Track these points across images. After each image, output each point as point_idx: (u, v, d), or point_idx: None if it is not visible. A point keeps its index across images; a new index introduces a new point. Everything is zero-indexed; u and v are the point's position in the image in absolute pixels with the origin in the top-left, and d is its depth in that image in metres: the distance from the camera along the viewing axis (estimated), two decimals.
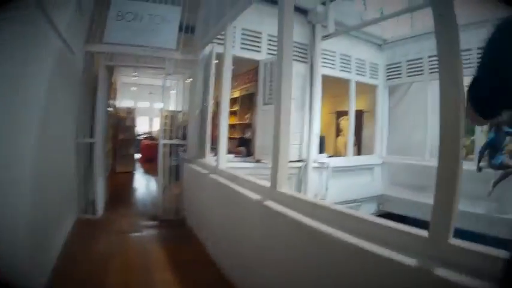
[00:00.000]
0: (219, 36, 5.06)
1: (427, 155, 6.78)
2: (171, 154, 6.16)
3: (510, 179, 5.43)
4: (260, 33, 5.59)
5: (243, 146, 6.64)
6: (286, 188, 2.93)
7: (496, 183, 5.55)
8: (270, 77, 5.56)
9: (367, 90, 7.43)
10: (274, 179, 2.98)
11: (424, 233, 1.78)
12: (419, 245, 1.74)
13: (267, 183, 3.11)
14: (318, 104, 6.13)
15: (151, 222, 5.64)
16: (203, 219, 4.68)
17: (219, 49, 5.09)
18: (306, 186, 5.97)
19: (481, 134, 6.61)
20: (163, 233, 5.15)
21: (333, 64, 6.58)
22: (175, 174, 6.22)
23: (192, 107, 6.02)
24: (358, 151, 8.02)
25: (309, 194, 5.99)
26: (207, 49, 5.49)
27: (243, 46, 5.44)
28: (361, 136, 8.26)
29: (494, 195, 5.55)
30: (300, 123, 6.11)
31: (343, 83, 7.06)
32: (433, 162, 6.58)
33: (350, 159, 6.86)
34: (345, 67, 6.79)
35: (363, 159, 7.24)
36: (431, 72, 6.69)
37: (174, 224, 5.55)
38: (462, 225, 5.71)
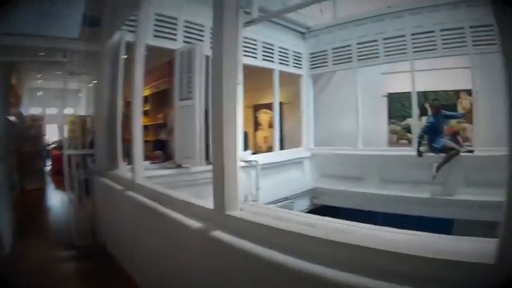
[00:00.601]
0: (129, 23, 4.51)
1: (359, 143, 6.94)
2: (81, 166, 5.49)
3: (453, 161, 5.73)
4: (176, 19, 5.14)
5: (159, 149, 6.09)
6: (238, 208, 2.43)
7: (439, 167, 5.85)
8: (187, 68, 5.14)
9: (285, 81, 7.29)
10: (220, 197, 2.38)
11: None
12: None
13: (207, 204, 2.57)
14: (239, 97, 5.87)
15: (67, 253, 4.83)
16: (126, 248, 4.04)
17: (129, 38, 4.55)
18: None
19: (416, 119, 7.16)
20: (81, 267, 4.38)
21: (254, 53, 6.39)
22: (85, 189, 5.53)
23: (99, 109, 5.30)
24: (281, 145, 7.99)
25: (239, 197, 5.78)
26: (116, 37, 4.83)
27: (157, 34, 4.95)
28: (282, 129, 8.22)
29: (439, 178, 5.81)
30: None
31: (260, 75, 6.97)
32: (366, 151, 7.05)
33: (278, 155, 6.80)
34: (267, 56, 6.63)
35: (291, 154, 7.18)
36: (359, 59, 6.87)
37: (93, 252, 4.80)
38: (406, 210, 6.02)
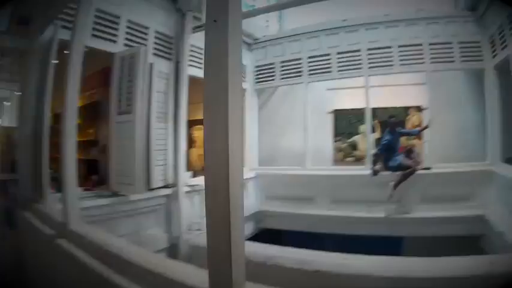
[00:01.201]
0: (65, 17, 3.66)
1: (307, 163, 6.64)
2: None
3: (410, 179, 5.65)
4: (118, 17, 4.39)
5: (90, 171, 5.07)
6: None
7: (396, 185, 5.72)
8: (128, 76, 4.37)
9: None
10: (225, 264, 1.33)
11: None
12: None
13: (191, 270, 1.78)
14: (185, 112, 5.24)
15: None
16: None
17: (63, 35, 3.67)
18: (178, 220, 5.00)
19: (363, 137, 7.16)
20: None
21: (200, 63, 5.81)
22: (10, 221, 4.21)
23: (23, 122, 4.15)
24: None
25: (183, 227, 5.07)
26: (47, 34, 3.84)
27: (96, 33, 4.15)
28: None
29: (396, 197, 5.69)
30: (163, 138, 5.09)
31: (194, 88, 6.27)
32: (316, 170, 6.74)
33: None
34: None
35: None
36: (310, 74, 6.63)
37: None
38: (360, 231, 5.80)
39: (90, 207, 3.85)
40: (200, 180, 5.69)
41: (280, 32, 7.52)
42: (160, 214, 4.97)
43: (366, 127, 7.25)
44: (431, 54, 5.88)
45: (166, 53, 5.11)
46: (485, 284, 3.88)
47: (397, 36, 6.08)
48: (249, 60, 7.11)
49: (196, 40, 5.41)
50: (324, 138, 7.14)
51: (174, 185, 5.17)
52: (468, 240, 5.54)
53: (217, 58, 1.45)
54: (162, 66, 5.07)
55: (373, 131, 7.16)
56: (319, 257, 4.55)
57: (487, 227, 5.27)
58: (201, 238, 5.27)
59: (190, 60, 5.45)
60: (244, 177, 6.51)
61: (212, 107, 1.38)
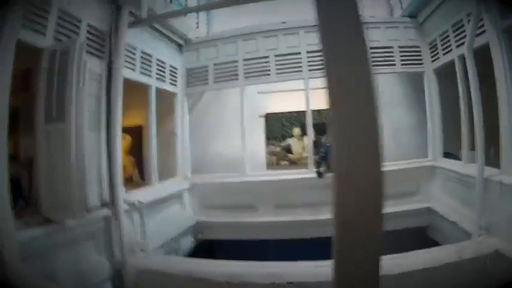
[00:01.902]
0: None
1: (247, 169, 6.30)
2: None
3: None
4: (49, 5, 3.50)
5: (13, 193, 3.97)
6: None
7: None
8: (59, 75, 3.55)
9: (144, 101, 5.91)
10: None
11: None
12: None
13: None
14: (120, 118, 4.54)
15: None
16: None
17: None
18: (120, 243, 4.30)
19: (297, 140, 7.21)
20: None
21: (133, 64, 5.10)
22: None
23: None
24: (141, 174, 6.69)
25: (126, 251, 4.38)
26: None
27: (26, 23, 3.22)
28: (142, 156, 6.75)
29: None
30: (97, 149, 4.35)
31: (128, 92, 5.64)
32: (256, 176, 6.39)
33: (159, 189, 5.60)
34: (146, 69, 5.40)
35: (171, 186, 6.00)
36: (247, 77, 6.30)
37: None
38: (307, 234, 5.72)
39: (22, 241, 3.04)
40: (136, 196, 5.09)
41: (208, 34, 7.09)
42: (100, 239, 4.16)
43: (299, 130, 7.33)
44: (373, 57, 5.91)
45: (98, 50, 4.25)
46: (458, 271, 4.19)
47: None
48: (179, 63, 6.46)
49: (131, 38, 4.74)
50: (256, 142, 6.85)
51: (111, 203, 4.49)
52: (415, 231, 6.00)
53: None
54: (94, 66, 4.29)
55: (306, 133, 7.29)
56: (288, 268, 4.44)
57: (434, 217, 5.66)
58: (147, 261, 4.67)
59: (126, 61, 4.70)
60: (180, 188, 6.08)
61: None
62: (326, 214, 5.76)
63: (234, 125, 6.91)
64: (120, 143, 4.57)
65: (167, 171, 6.11)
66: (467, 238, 4.56)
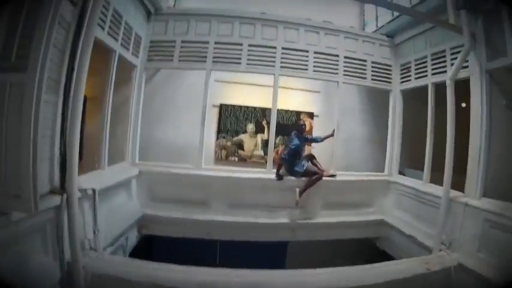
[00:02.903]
0: None
1: (201, 161, 5.50)
2: None
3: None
4: None
5: None
6: None
7: (302, 191, 5.31)
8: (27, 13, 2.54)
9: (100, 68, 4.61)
10: None
11: None
12: None
13: None
14: (84, 81, 3.38)
15: None
16: None
17: None
18: (72, 239, 3.24)
19: (250, 137, 6.61)
20: None
21: (103, 21, 3.94)
22: None
23: None
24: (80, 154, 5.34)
25: (77, 249, 3.32)
26: None
27: None
28: (82, 134, 5.51)
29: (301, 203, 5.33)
30: (52, 118, 3.23)
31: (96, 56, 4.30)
32: (212, 171, 5.61)
33: (106, 175, 4.51)
34: (114, 31, 4.27)
35: (120, 172, 4.87)
36: (215, 61, 5.48)
37: None
38: (261, 237, 5.27)
39: None
40: (88, 182, 3.97)
41: (175, 7, 6.12)
42: (48, 234, 3.09)
43: (253, 126, 6.74)
44: (345, 67, 5.76)
45: None
46: (426, 282, 3.86)
47: (315, 42, 5.70)
48: (144, 32, 5.33)
49: None
50: (206, 133, 5.85)
51: (62, 189, 3.39)
52: (364, 241, 5.99)
53: None
54: (65, 11, 3.18)
55: (261, 131, 6.71)
56: (264, 277, 3.88)
57: (386, 229, 5.70)
58: (103, 263, 3.63)
59: (101, 13, 3.65)
60: (129, 175, 5.06)
61: None
62: (282, 218, 5.48)
63: (187, 111, 6.19)
64: (81, 111, 3.50)
65: (115, 154, 5.00)
66: (422, 251, 4.75)
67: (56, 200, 3.15)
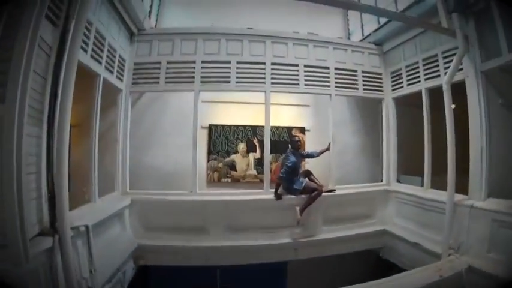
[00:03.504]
0: None
1: (196, 186, 5.12)
2: None
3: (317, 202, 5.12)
4: None
5: None
6: None
7: (303, 209, 5.02)
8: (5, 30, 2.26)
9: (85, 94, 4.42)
10: None
11: None
12: None
13: None
14: (69, 109, 3.02)
15: None
16: None
17: None
18: (68, 282, 2.83)
19: (241, 156, 6.31)
20: None
21: (86, 43, 3.61)
22: None
23: None
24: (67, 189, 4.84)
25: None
26: None
27: None
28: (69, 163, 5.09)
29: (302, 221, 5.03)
30: (35, 153, 2.85)
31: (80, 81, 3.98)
32: (207, 196, 5.24)
33: (98, 208, 4.07)
34: (97, 54, 3.94)
35: (114, 203, 4.47)
36: (204, 82, 5.17)
37: None
38: (263, 259, 5.02)
39: None
40: (82, 216, 3.54)
41: (157, 27, 5.89)
42: (42, 279, 2.65)
43: (244, 146, 6.37)
44: (336, 79, 5.58)
45: (53, 12, 2.88)
46: None
47: (305, 55, 5.50)
48: (128, 54, 4.99)
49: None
50: (198, 156, 5.41)
51: (53, 229, 2.99)
52: (365, 253, 5.71)
53: None
54: (46, 33, 2.85)
55: (253, 150, 6.37)
56: None
57: (389, 239, 5.47)
58: None
59: (84, 35, 3.33)
60: (122, 206, 4.65)
61: None
62: (284, 238, 5.14)
63: (174, 134, 5.87)
64: (68, 142, 3.14)
65: (105, 184, 4.59)
66: (427, 257, 4.60)
67: (48, 241, 2.76)
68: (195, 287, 5.60)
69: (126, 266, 4.38)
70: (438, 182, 4.95)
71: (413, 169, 5.55)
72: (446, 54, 4.60)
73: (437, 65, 4.78)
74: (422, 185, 5.19)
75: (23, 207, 2.43)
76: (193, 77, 5.21)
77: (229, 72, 5.28)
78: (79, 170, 4.25)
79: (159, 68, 5.17)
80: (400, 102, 5.83)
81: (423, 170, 5.10)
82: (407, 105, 5.74)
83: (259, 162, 6.30)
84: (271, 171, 5.82)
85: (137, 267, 4.82)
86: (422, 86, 5.11)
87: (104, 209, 4.08)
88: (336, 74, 5.65)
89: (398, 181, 5.77)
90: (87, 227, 3.37)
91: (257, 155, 6.37)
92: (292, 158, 5.11)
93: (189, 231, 4.99)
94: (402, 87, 5.60)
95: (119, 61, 4.66)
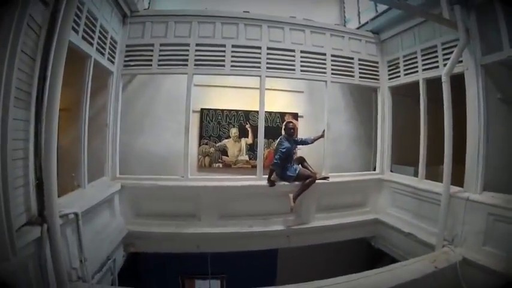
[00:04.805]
0: None
1: (188, 171, 4.98)
2: None
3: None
4: None
5: None
6: None
7: (296, 196, 4.94)
8: None
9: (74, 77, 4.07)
10: None
11: None
12: None
13: None
14: (59, 92, 2.87)
15: None
16: None
17: None
18: (58, 273, 2.72)
19: (233, 141, 6.16)
20: None
21: (77, 24, 3.40)
22: None
23: None
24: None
25: (65, 283, 2.79)
26: None
27: None
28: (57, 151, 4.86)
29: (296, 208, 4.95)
30: (24, 137, 2.68)
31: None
32: (199, 181, 5.09)
33: (88, 194, 3.94)
34: (89, 35, 3.72)
35: (103, 188, 4.29)
36: (198, 65, 4.97)
37: None
38: (256, 246, 4.95)
39: None
40: (71, 203, 3.40)
41: (149, 8, 5.59)
42: (30, 271, 2.53)
43: (236, 131, 6.24)
44: (333, 66, 5.45)
45: None
46: (436, 279, 3.78)
47: (301, 40, 5.34)
48: (119, 36, 4.77)
49: None
50: (189, 140, 5.23)
51: (41, 218, 2.84)
52: (357, 241, 5.75)
53: None
54: (36, 12, 2.64)
55: (245, 135, 6.23)
56: None
57: (382, 228, 5.48)
58: None
59: (75, 15, 3.12)
60: (112, 191, 4.51)
61: None
62: (277, 225, 5.10)
63: (166, 118, 5.73)
64: (57, 126, 2.97)
65: (94, 169, 4.41)
66: (420, 247, 4.63)
67: (36, 231, 2.62)
68: (186, 274, 5.57)
69: (116, 253, 4.26)
70: (430, 173, 4.97)
71: (405, 159, 5.52)
72: (445, 46, 4.52)
73: (436, 56, 4.70)
74: (414, 175, 5.15)
75: (8, 195, 2.28)
76: (187, 60, 5.00)
77: (224, 56, 5.09)
78: (68, 155, 4.06)
79: (151, 51, 4.94)
80: (395, 91, 5.74)
81: (415, 160, 5.06)
82: (402, 95, 5.69)
83: (251, 148, 6.20)
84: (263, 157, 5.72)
85: (127, 254, 4.70)
86: (420, 76, 5.03)
87: (94, 195, 3.92)
88: (332, 60, 5.51)
89: (391, 170, 5.76)
90: (76, 214, 3.23)
91: (249, 140, 6.25)
92: (286, 144, 5.00)
93: (180, 217, 4.90)
94: (399, 76, 5.51)
95: (110, 43, 4.43)
